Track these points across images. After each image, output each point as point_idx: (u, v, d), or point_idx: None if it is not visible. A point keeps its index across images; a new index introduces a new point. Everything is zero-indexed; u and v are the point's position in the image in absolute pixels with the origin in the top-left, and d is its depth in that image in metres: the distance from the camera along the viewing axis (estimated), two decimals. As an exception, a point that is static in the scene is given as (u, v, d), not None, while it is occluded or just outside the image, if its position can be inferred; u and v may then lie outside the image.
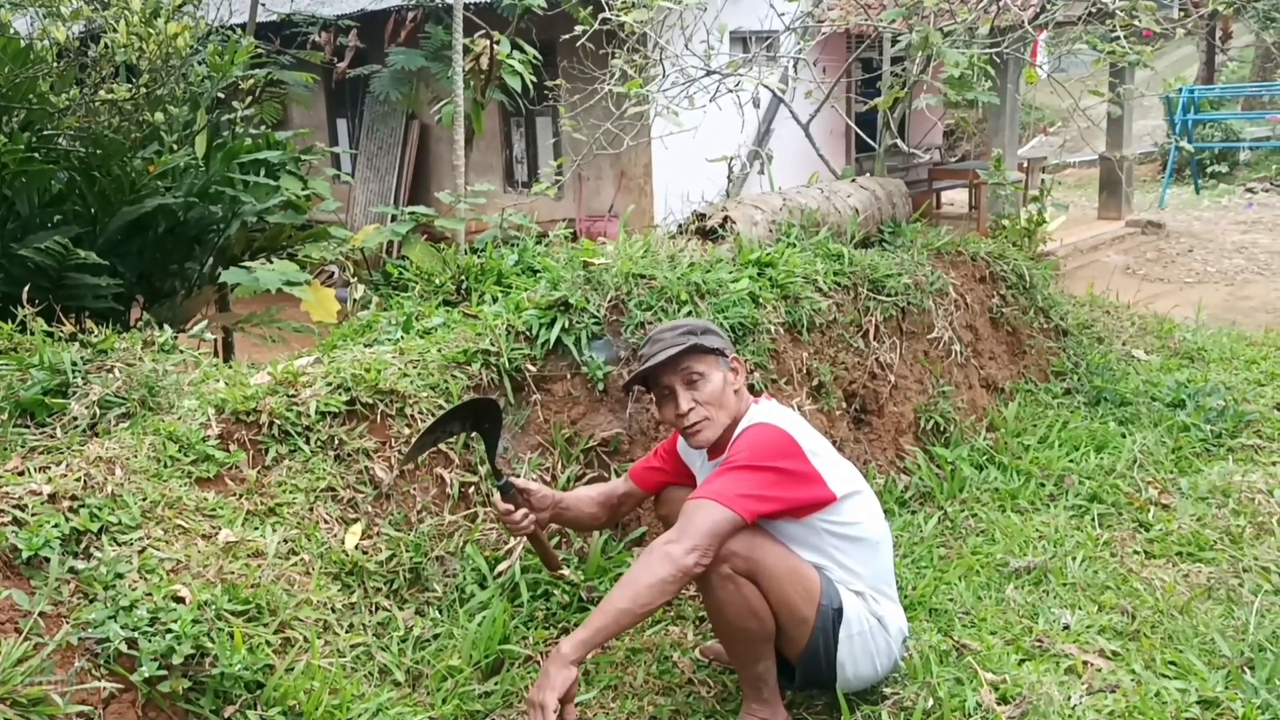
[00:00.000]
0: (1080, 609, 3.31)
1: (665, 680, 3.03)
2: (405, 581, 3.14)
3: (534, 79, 6.56)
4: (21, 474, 2.65)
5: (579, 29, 5.98)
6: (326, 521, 3.05)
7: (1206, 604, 3.30)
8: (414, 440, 2.95)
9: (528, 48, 6.50)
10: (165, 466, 2.87)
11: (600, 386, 3.66)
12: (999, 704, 2.75)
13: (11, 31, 4.90)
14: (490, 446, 2.93)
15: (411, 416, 3.35)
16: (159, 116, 5.04)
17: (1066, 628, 3.19)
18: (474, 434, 3.08)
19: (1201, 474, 4.31)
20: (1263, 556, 3.57)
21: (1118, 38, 5.25)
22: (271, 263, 5.47)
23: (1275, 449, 4.57)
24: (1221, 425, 4.77)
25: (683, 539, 2.52)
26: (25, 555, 2.40)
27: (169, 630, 2.38)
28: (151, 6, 5.01)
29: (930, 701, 2.75)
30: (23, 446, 2.85)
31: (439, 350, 3.59)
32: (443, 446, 3.37)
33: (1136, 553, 3.71)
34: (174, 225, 5.25)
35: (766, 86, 5.87)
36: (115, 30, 4.94)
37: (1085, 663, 2.98)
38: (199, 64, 5.50)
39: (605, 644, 2.84)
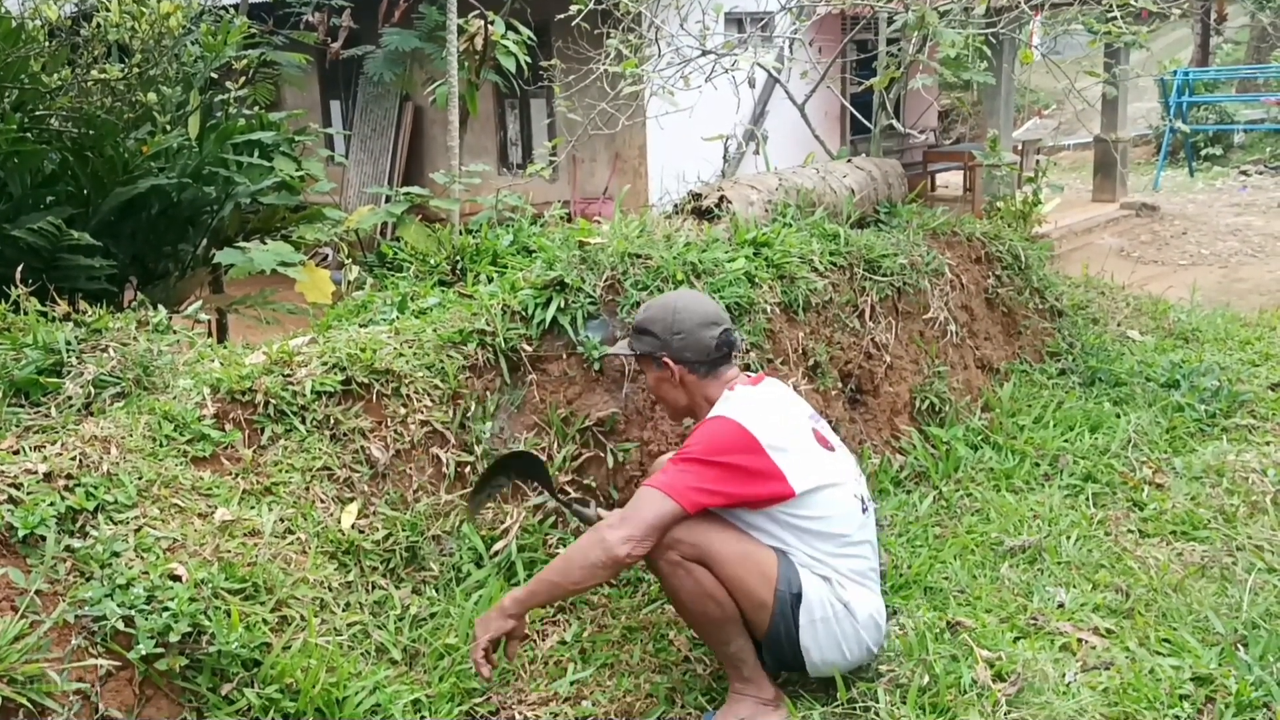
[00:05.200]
0: (1075, 587, 3.32)
1: (661, 658, 3.04)
2: (402, 560, 3.14)
3: (528, 60, 6.52)
4: (17, 453, 2.64)
5: (574, 8, 5.95)
6: (323, 501, 3.05)
7: (1200, 582, 3.31)
8: (470, 501, 3.19)
9: (522, 28, 6.45)
10: (161, 445, 2.86)
11: (596, 366, 3.66)
12: (994, 681, 2.76)
13: (2, 11, 4.86)
14: (548, 486, 3.19)
15: (407, 396, 3.35)
16: (152, 97, 5.00)
17: (1061, 606, 3.21)
18: (531, 482, 3.38)
19: (1196, 454, 4.32)
20: (1256, 535, 3.59)
21: (1114, 18, 5.24)
22: (266, 244, 5.44)
23: (1269, 429, 4.58)
24: (1216, 405, 4.78)
25: (622, 526, 2.60)
26: (21, 533, 2.40)
27: (166, 608, 2.38)
28: (144, -15, 4.98)
29: (926, 678, 2.77)
30: (18, 425, 2.84)
31: (434, 330, 3.58)
32: (439, 427, 3.38)
33: (1131, 531, 3.72)
34: (167, 206, 5.22)
35: (762, 66, 5.85)
36: (107, 9, 4.91)
37: (1080, 640, 3.00)
38: (192, 44, 5.45)
39: (543, 605, 3.07)
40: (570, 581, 2.63)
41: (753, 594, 2.65)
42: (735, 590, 2.65)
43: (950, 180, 14.37)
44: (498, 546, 3.29)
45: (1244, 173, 15.65)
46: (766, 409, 2.79)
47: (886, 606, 3.19)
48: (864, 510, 2.81)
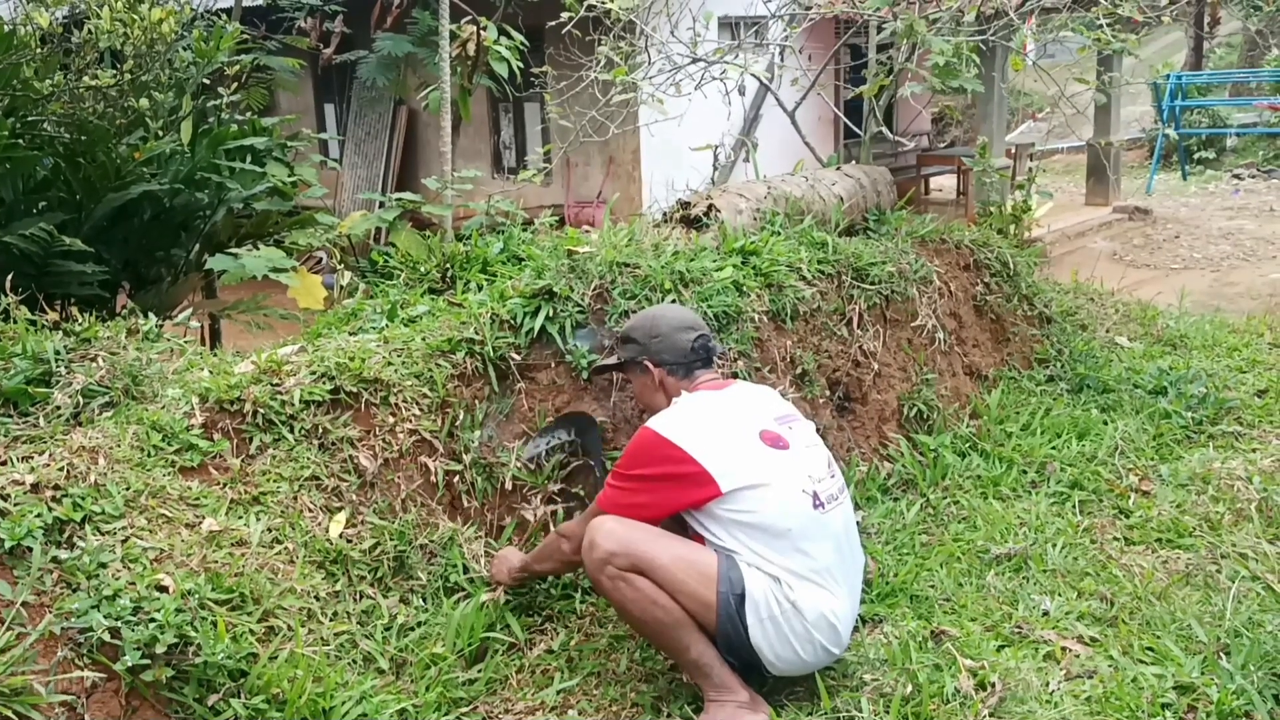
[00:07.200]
0: (1059, 595, 3.33)
1: (648, 667, 3.05)
2: (390, 570, 3.15)
3: (521, 65, 6.54)
4: (4, 463, 2.66)
5: (565, 15, 5.96)
6: (310, 510, 3.06)
7: (1184, 590, 3.33)
8: (529, 443, 3.53)
9: (515, 34, 6.47)
10: (149, 456, 2.87)
11: (584, 375, 3.67)
12: (977, 690, 2.77)
13: (-5, 17, 4.87)
14: (596, 453, 3.55)
15: (396, 405, 3.36)
16: (144, 103, 5.02)
17: (1046, 614, 3.22)
18: (579, 441, 3.63)
19: (1182, 461, 4.34)
20: (1240, 543, 3.60)
21: (1101, 25, 5.27)
22: (258, 249, 5.46)
23: (1255, 436, 4.60)
24: (1203, 412, 4.79)
25: (572, 539, 2.94)
26: (8, 545, 2.42)
27: (152, 619, 2.40)
28: (135, -8, 4.99)
29: (909, 688, 2.78)
30: (5, 436, 2.85)
31: (423, 339, 3.59)
32: (427, 436, 3.38)
33: (1116, 539, 3.73)
34: (160, 212, 5.24)
35: (753, 75, 5.87)
36: (99, 16, 4.92)
37: (1064, 649, 3.01)
38: (184, 49, 5.47)
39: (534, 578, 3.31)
40: (545, 568, 3.15)
41: (695, 595, 2.70)
42: (677, 593, 2.70)
43: (944, 184, 14.42)
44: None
45: (1237, 176, 15.69)
46: (698, 413, 2.91)
47: (875, 615, 3.23)
48: (817, 507, 2.80)
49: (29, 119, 4.79)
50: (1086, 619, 3.19)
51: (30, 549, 2.44)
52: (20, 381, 3.04)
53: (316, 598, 2.85)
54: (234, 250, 5.35)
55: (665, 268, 3.91)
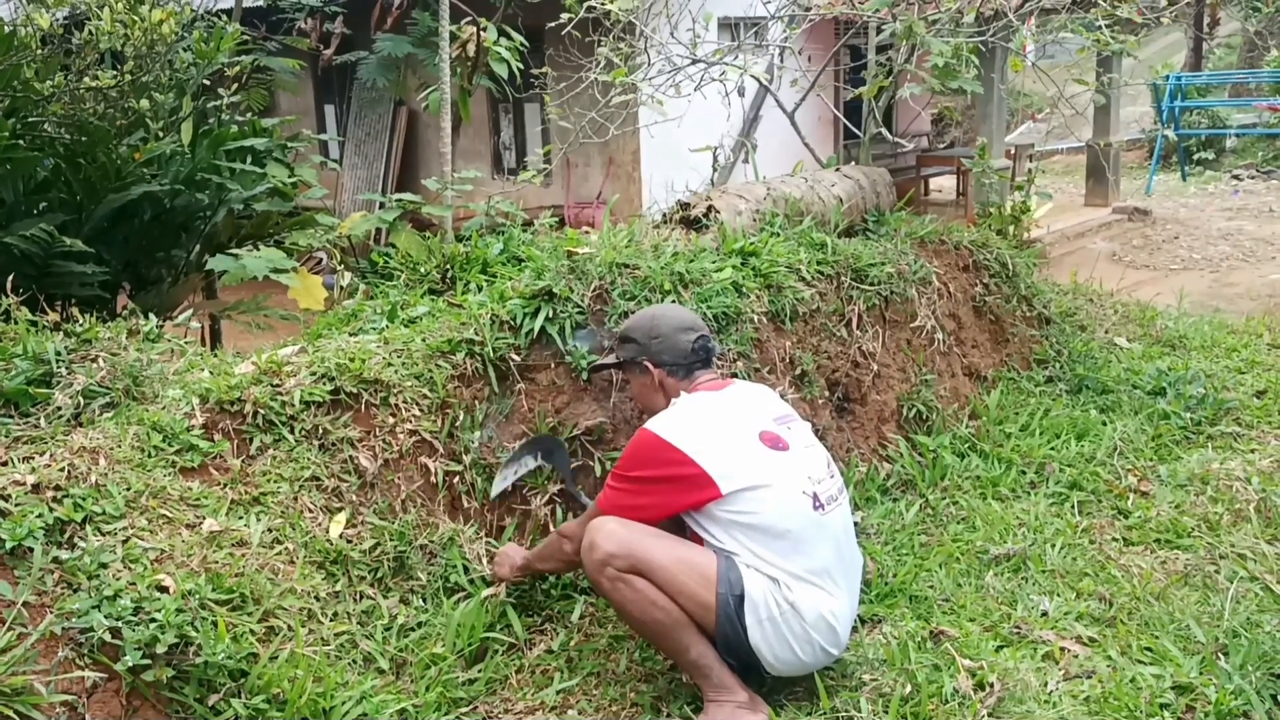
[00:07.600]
0: (1058, 596, 3.34)
1: (647, 667, 3.06)
2: (390, 570, 3.16)
3: (521, 66, 6.55)
4: (5, 464, 2.66)
5: (565, 16, 5.97)
6: (311, 510, 3.06)
7: (1183, 590, 3.33)
8: (496, 478, 3.48)
9: (514, 34, 6.48)
10: (149, 456, 2.88)
11: (584, 376, 3.68)
12: (976, 690, 2.78)
13: (-5, 18, 4.88)
14: (566, 472, 3.53)
15: (396, 406, 3.37)
16: (144, 103, 5.03)
17: (1044, 614, 3.23)
18: (551, 465, 3.58)
19: (1181, 461, 4.34)
20: (1239, 543, 3.60)
21: (1099, 27, 5.27)
22: (258, 250, 5.46)
23: (1254, 436, 4.60)
24: (1201, 413, 4.80)
25: (574, 540, 2.93)
26: (9, 545, 2.42)
27: (153, 619, 2.41)
28: (135, -7, 5.00)
29: (908, 688, 2.78)
30: (6, 436, 2.85)
31: (423, 339, 3.60)
32: (427, 437, 3.39)
33: (1115, 540, 3.74)
34: (160, 212, 5.25)
35: (753, 76, 5.88)
36: (99, 17, 4.93)
37: (1062, 649, 3.01)
38: (184, 50, 5.48)
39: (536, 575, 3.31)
40: (546, 567, 3.17)
41: (694, 596, 2.71)
42: (676, 594, 2.71)
43: (944, 184, 14.42)
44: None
45: (1236, 177, 15.70)
46: (697, 414, 2.91)
47: (874, 615, 3.24)
48: (817, 508, 2.80)
49: (29, 120, 4.80)
50: (1085, 619, 3.20)
51: (31, 549, 2.44)
52: (21, 382, 3.04)
53: (316, 598, 2.86)
54: (234, 251, 5.36)
55: (665, 269, 3.92)
